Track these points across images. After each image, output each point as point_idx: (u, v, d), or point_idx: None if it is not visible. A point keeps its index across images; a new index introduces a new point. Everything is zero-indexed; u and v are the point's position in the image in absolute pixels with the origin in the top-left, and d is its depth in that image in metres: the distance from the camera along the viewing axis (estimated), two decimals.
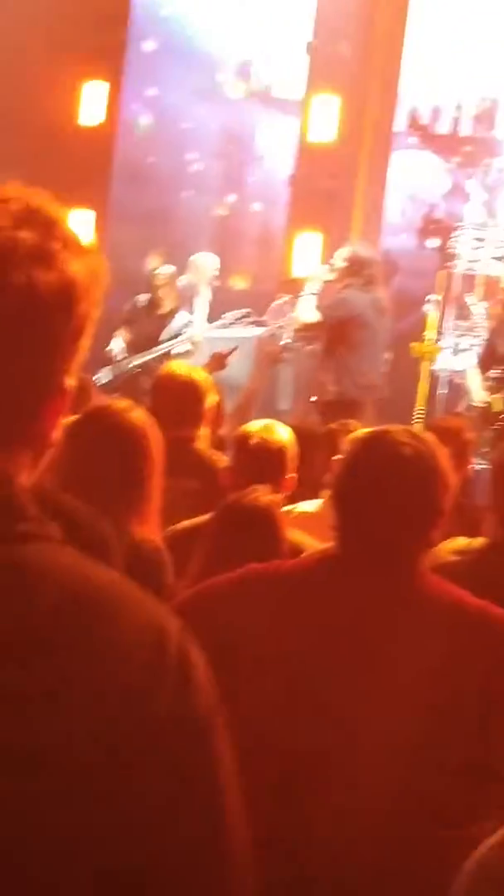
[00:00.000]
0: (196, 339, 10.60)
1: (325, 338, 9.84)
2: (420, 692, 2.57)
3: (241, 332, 11.56)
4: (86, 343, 1.42)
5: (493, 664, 2.60)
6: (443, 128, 14.16)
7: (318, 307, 9.77)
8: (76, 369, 1.42)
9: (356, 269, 9.70)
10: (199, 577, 3.38)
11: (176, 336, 10.50)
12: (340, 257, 9.93)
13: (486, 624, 2.64)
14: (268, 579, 2.73)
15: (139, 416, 3.84)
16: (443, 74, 14.18)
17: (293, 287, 10.90)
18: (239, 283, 14.61)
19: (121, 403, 3.92)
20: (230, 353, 8.30)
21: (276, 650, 2.63)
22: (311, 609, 2.66)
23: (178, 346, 10.33)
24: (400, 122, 14.06)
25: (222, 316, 10.50)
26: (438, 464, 2.71)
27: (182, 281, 11.59)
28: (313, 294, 9.80)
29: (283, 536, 3.64)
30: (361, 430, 3.85)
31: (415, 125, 14.12)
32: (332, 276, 9.83)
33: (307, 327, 9.98)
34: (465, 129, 14.15)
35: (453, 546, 4.04)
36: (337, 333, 9.63)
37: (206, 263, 11.98)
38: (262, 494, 3.68)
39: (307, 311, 9.78)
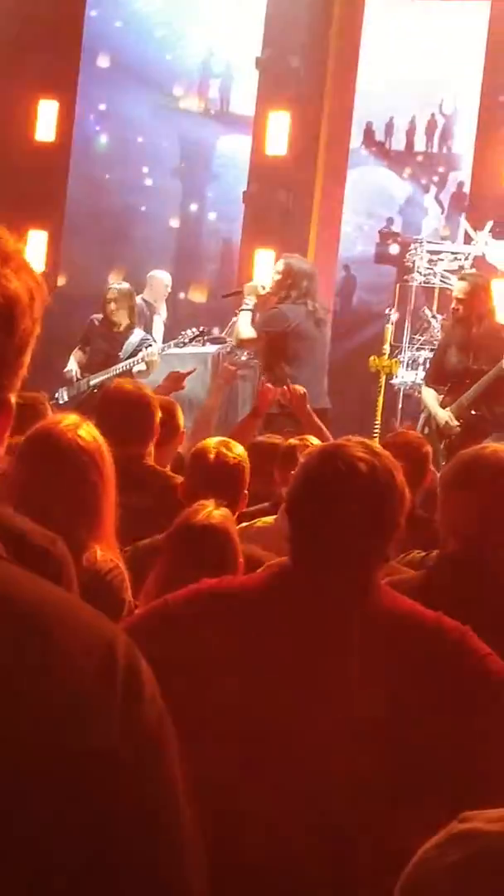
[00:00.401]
0: (153, 358, 10.58)
1: (262, 352, 9.90)
2: (373, 704, 2.56)
3: (199, 348, 11.57)
4: (26, 360, 1.42)
5: (445, 677, 2.61)
6: (399, 143, 14.24)
7: (254, 322, 9.83)
8: (18, 386, 1.43)
9: (291, 281, 9.74)
10: (154, 595, 3.38)
11: (134, 354, 10.48)
12: (275, 270, 9.99)
13: (439, 637, 2.64)
14: (221, 594, 2.72)
15: (89, 431, 3.81)
16: (398, 90, 14.25)
17: (237, 301, 10.93)
18: (197, 298, 14.64)
19: (70, 419, 3.88)
20: (188, 373, 8.30)
21: (230, 665, 2.62)
22: (265, 623, 2.66)
23: (137, 365, 10.30)
24: (356, 138, 14.11)
25: (180, 334, 10.50)
26: (394, 479, 2.70)
27: (139, 298, 11.60)
28: (249, 309, 9.84)
29: (237, 552, 3.64)
30: (318, 444, 3.87)
31: (370, 141, 14.19)
32: (263, 291, 9.88)
33: (243, 342, 10.03)
34: (421, 145, 14.25)
35: (409, 559, 4.05)
36: (274, 347, 9.68)
37: (162, 279, 12.00)
38: (215, 510, 3.68)
39: (244, 325, 9.83)
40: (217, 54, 14.84)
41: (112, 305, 10.44)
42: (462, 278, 9.50)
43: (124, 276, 12.64)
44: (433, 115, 14.25)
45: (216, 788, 2.50)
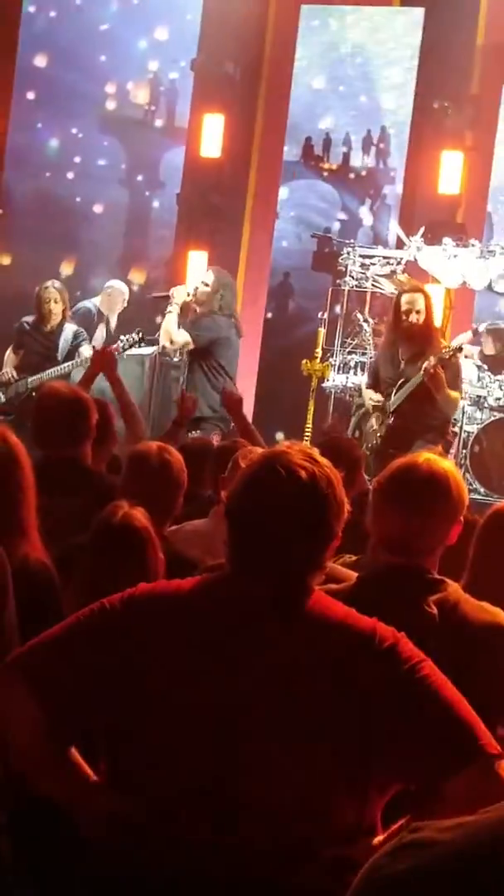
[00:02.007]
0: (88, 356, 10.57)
1: (188, 358, 10.09)
2: (306, 709, 2.60)
3: (136, 350, 11.57)
4: None
5: (377, 682, 2.63)
6: (336, 158, 14.33)
7: (185, 327, 9.98)
8: None
9: (221, 293, 9.95)
10: (81, 594, 3.42)
11: (71, 353, 10.47)
12: (203, 282, 10.13)
13: (370, 643, 2.65)
14: (156, 597, 2.75)
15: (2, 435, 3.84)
16: (335, 104, 14.34)
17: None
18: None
19: None
20: (116, 349, 8.44)
21: (166, 669, 2.66)
22: (197, 626, 2.70)
23: (75, 368, 10.28)
24: (293, 152, 14.20)
25: (119, 339, 10.54)
26: (334, 488, 2.72)
27: (90, 304, 11.62)
28: (174, 313, 9.99)
29: (156, 550, 3.69)
30: (259, 450, 3.92)
31: (309, 155, 14.29)
32: (189, 298, 10.04)
33: (177, 345, 10.16)
34: (357, 160, 14.35)
35: (340, 562, 4.10)
36: (202, 354, 9.89)
37: (122, 292, 11.94)
38: (134, 512, 3.74)
39: (174, 328, 9.98)
40: (157, 58, 14.83)
41: (49, 305, 10.45)
42: (414, 289, 9.53)
43: (72, 287, 12.55)
44: (369, 130, 14.34)
45: (152, 771, 2.62)
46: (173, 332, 10.04)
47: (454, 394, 9.33)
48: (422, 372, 9.00)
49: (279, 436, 11.29)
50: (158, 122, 15.16)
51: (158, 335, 11.18)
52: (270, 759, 2.59)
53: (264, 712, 2.61)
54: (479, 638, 3.41)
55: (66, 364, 10.27)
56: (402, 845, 1.56)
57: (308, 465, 2.70)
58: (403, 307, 9.24)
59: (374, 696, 2.61)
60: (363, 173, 14.21)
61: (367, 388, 9.61)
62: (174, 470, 4.82)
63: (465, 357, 10.49)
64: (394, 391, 9.20)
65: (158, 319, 10.63)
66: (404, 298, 9.29)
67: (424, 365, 9.00)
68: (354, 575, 3.63)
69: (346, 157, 14.34)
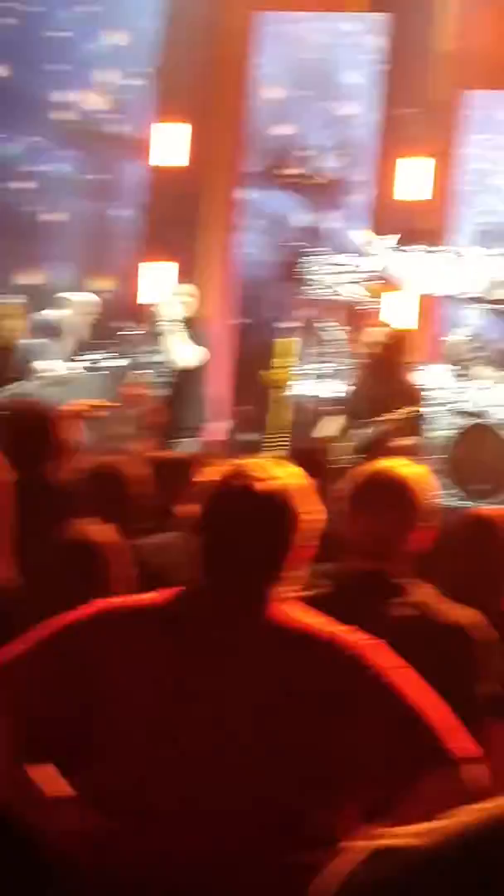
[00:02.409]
0: (57, 374, 10.50)
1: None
2: (272, 720, 2.64)
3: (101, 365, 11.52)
4: None
5: (336, 693, 2.66)
6: (302, 166, 14.32)
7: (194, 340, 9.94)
8: None
9: (199, 304, 10.00)
10: (44, 612, 3.39)
11: (34, 371, 10.39)
12: (188, 293, 10.10)
13: (332, 652, 2.69)
14: (120, 612, 2.79)
15: None
16: (299, 114, 14.35)
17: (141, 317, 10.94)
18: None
19: None
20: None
21: (130, 682, 2.69)
22: (164, 640, 2.73)
23: (33, 382, 10.19)
24: (257, 162, 14.19)
25: (87, 359, 10.43)
26: (288, 501, 2.79)
27: (50, 318, 11.52)
28: (174, 332, 9.94)
29: (124, 570, 3.70)
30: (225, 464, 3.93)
31: (272, 165, 14.28)
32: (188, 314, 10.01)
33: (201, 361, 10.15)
34: (323, 168, 14.35)
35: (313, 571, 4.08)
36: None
37: (85, 304, 11.85)
38: (98, 528, 3.70)
39: (186, 347, 9.96)
40: (117, 66, 14.78)
41: (6, 322, 10.36)
42: (381, 325, 9.61)
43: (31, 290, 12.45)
44: (334, 139, 14.33)
45: (122, 784, 2.65)
46: (186, 351, 9.95)
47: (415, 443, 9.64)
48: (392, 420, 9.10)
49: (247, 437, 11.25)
50: (120, 131, 15.06)
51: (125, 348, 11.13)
52: (239, 770, 2.64)
53: (232, 724, 2.65)
54: (449, 637, 3.53)
55: (23, 381, 10.15)
56: (376, 852, 1.57)
57: (265, 478, 2.79)
58: (366, 338, 9.45)
59: (335, 704, 2.65)
60: (328, 182, 14.20)
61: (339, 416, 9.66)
62: (137, 483, 4.77)
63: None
64: (366, 428, 9.27)
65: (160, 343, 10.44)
66: (370, 332, 9.51)
67: (400, 412, 9.09)
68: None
69: (312, 165, 14.32)
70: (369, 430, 9.19)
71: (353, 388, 9.71)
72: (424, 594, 3.59)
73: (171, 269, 13.43)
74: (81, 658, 2.73)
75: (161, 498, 5.10)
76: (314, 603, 3.02)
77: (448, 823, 1.55)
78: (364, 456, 9.09)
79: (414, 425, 9.40)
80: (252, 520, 2.77)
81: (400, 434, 9.14)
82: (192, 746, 2.64)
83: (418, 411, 9.39)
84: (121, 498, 4.81)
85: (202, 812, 2.63)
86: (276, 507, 2.76)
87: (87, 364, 10.79)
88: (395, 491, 3.63)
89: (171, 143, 13.70)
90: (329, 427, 9.53)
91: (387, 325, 11.09)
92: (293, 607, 2.80)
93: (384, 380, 9.27)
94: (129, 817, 2.65)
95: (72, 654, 2.74)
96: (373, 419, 9.26)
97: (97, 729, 2.70)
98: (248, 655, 2.70)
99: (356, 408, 9.44)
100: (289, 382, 10.77)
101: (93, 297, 12.06)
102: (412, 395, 9.53)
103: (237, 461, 2.93)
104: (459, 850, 1.51)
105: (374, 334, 9.53)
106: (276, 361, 10.75)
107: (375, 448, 9.11)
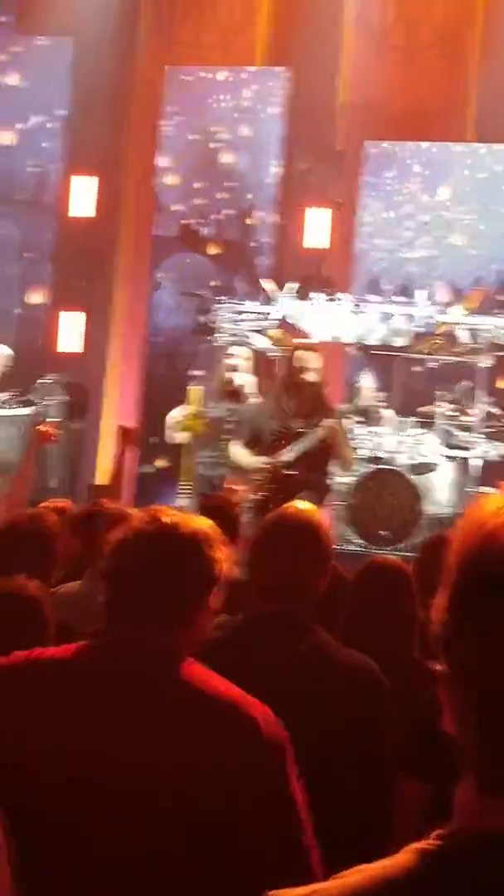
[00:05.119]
0: None
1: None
2: (170, 785, 2.60)
3: (12, 411, 11.51)
4: None
5: (239, 762, 2.61)
6: (210, 231, 14.46)
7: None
8: None
9: None
10: None
11: None
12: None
13: (236, 720, 2.63)
14: (33, 665, 2.75)
15: None
16: (205, 176, 14.46)
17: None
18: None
19: None
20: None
21: (35, 739, 2.66)
22: (69, 697, 2.70)
23: None
24: (171, 228, 14.31)
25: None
26: (200, 544, 2.76)
27: None
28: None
29: (49, 623, 3.67)
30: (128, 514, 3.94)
31: (186, 231, 14.41)
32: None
33: None
34: (232, 232, 14.47)
35: (216, 623, 4.12)
36: None
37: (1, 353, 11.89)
38: (22, 581, 3.73)
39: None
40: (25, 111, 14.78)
41: None
42: (309, 348, 9.64)
43: None
44: (240, 203, 14.45)
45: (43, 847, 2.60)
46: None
47: (351, 451, 9.75)
48: (321, 432, 9.11)
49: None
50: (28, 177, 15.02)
51: (34, 397, 11.14)
52: (137, 828, 2.59)
53: (135, 783, 2.61)
54: (349, 680, 3.48)
55: None
56: None
57: (174, 524, 2.76)
58: (296, 363, 9.32)
59: (236, 775, 2.60)
60: (234, 246, 14.37)
61: (240, 446, 9.61)
62: (47, 537, 4.80)
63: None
64: (287, 447, 9.22)
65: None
66: (298, 354, 9.39)
67: (327, 423, 9.12)
68: None
69: (221, 229, 14.47)
70: (296, 446, 9.18)
71: (260, 408, 9.72)
72: (325, 636, 3.55)
73: (79, 317, 13.57)
74: None
75: (72, 546, 5.12)
76: (215, 645, 3.04)
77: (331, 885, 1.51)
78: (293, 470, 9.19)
79: (341, 434, 9.40)
80: (158, 562, 2.73)
81: (333, 442, 9.16)
82: (95, 804, 2.60)
83: (340, 420, 9.39)
84: (42, 549, 4.75)
85: (119, 867, 2.60)
86: (187, 549, 2.73)
87: None
88: (302, 531, 3.61)
89: (79, 195, 13.81)
90: (237, 454, 9.50)
91: (286, 339, 11.21)
92: (194, 666, 2.74)
93: (295, 394, 9.25)
94: (53, 874, 2.62)
95: None
96: (288, 436, 9.25)
97: (15, 787, 2.64)
98: (155, 717, 2.65)
99: (262, 427, 9.43)
100: (198, 429, 10.77)
101: (4, 347, 12.10)
102: (329, 407, 9.52)
103: (151, 508, 2.87)
104: None
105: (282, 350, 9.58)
106: (185, 409, 10.78)
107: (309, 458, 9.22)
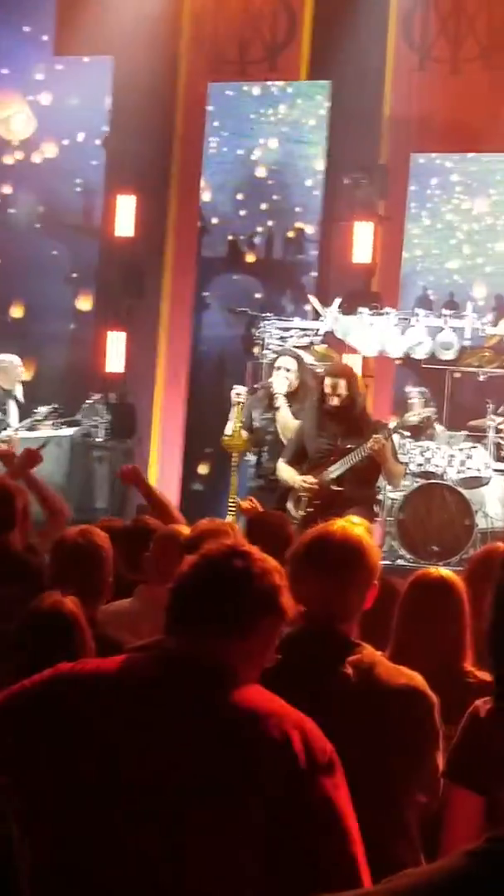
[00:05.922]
0: (9, 439, 10.53)
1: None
2: (206, 802, 2.57)
3: (55, 431, 11.55)
4: None
5: (283, 779, 2.57)
6: (258, 253, 14.49)
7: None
8: None
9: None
10: (8, 683, 3.39)
11: None
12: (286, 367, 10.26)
13: (277, 736, 2.59)
14: (79, 677, 2.72)
15: None
16: (251, 197, 14.50)
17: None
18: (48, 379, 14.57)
19: None
20: (42, 447, 8.20)
21: (85, 744, 2.63)
22: (123, 706, 2.67)
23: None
24: (216, 246, 14.36)
25: (33, 412, 10.43)
26: (262, 568, 2.76)
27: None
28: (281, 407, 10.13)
29: (87, 639, 3.64)
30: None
31: (234, 252, 14.45)
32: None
33: None
34: (278, 252, 14.51)
35: None
36: None
37: (13, 363, 11.93)
38: (64, 598, 3.70)
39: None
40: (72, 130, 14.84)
41: None
42: (337, 373, 9.60)
43: None
44: (285, 221, 14.46)
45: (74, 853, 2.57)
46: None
47: (400, 466, 9.73)
48: (368, 447, 9.10)
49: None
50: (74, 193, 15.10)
51: (81, 416, 11.15)
52: (183, 847, 2.55)
53: (180, 796, 2.57)
54: (395, 700, 3.42)
55: None
56: None
57: (239, 551, 2.77)
58: (326, 389, 9.38)
59: (278, 800, 2.55)
60: (280, 263, 14.41)
61: (285, 463, 9.61)
62: (98, 553, 4.75)
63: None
64: (336, 463, 9.25)
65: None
66: (327, 381, 9.42)
67: (370, 444, 9.09)
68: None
69: (269, 250, 14.49)
70: (344, 462, 9.23)
71: (307, 431, 9.71)
72: (371, 654, 3.49)
73: (122, 336, 13.60)
74: (39, 722, 2.66)
75: (117, 565, 5.10)
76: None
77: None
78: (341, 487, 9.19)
79: (390, 449, 9.44)
80: (221, 580, 2.74)
81: (381, 457, 9.21)
82: (142, 819, 2.55)
83: (389, 435, 9.42)
84: (95, 565, 4.69)
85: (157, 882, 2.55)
86: (246, 574, 2.73)
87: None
88: (346, 550, 3.55)
89: (120, 213, 13.84)
90: (284, 471, 9.53)
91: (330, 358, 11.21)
92: (250, 686, 2.71)
93: (330, 420, 9.32)
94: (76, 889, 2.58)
95: (29, 718, 2.67)
96: (336, 452, 9.29)
97: (55, 795, 2.61)
98: (199, 735, 2.61)
99: (307, 445, 9.46)
100: (245, 447, 10.72)
101: (15, 357, 12.09)
102: (375, 423, 9.60)
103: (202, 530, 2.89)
104: None
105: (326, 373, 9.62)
106: (230, 427, 10.74)
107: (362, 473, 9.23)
